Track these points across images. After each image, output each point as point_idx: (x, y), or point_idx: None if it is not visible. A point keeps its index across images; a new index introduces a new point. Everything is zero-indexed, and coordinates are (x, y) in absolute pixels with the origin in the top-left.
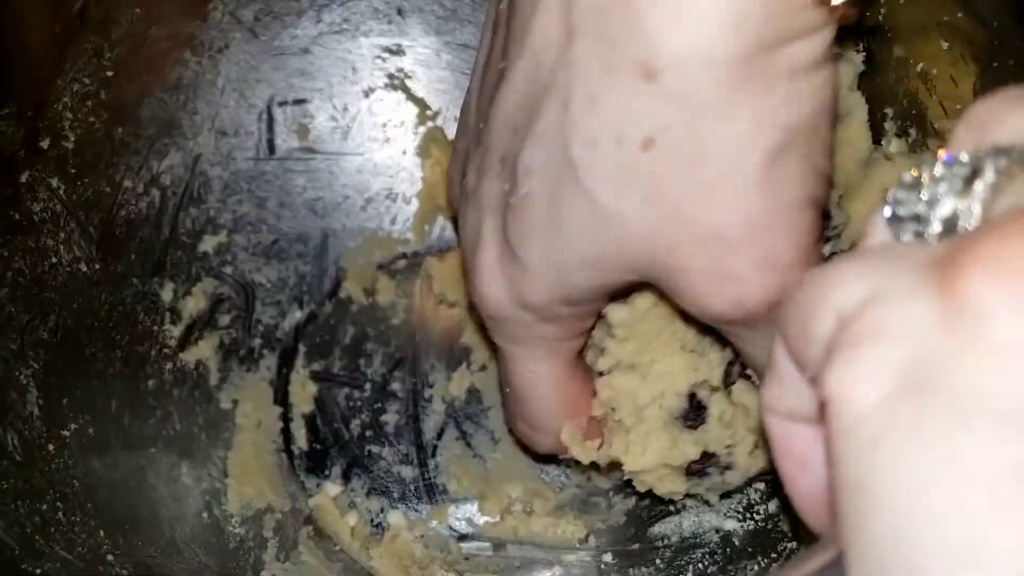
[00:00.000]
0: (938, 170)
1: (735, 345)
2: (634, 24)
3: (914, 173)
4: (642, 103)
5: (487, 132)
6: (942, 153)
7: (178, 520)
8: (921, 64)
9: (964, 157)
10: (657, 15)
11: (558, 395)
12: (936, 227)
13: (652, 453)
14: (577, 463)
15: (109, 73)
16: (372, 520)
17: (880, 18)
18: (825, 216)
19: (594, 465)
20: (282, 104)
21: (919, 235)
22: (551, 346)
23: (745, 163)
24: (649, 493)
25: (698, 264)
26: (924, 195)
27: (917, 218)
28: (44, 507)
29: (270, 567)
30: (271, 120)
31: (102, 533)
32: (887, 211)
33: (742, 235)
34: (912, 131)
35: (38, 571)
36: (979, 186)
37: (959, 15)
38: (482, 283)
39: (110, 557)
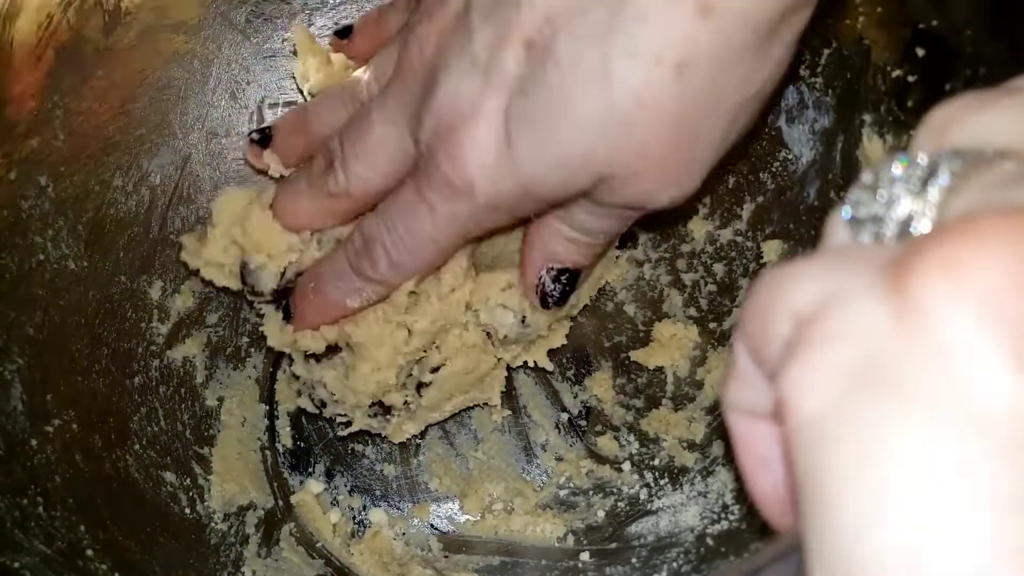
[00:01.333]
0: (896, 171)
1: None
2: None
3: (873, 175)
4: (688, 31)
5: (515, 9)
6: (900, 155)
7: (160, 516)
8: (897, 71)
9: (921, 159)
10: None
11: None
12: (892, 228)
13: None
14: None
15: (99, 71)
16: (354, 517)
17: (858, 26)
18: None
19: None
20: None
21: (877, 236)
22: (464, 233)
23: (733, 110)
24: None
25: (653, 174)
26: (881, 196)
27: (875, 219)
28: (25, 502)
29: (251, 563)
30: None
31: (82, 528)
32: (846, 212)
33: (695, 162)
34: (889, 137)
35: (16, 565)
36: (934, 188)
37: (934, 23)
38: (469, 151)
39: (89, 552)
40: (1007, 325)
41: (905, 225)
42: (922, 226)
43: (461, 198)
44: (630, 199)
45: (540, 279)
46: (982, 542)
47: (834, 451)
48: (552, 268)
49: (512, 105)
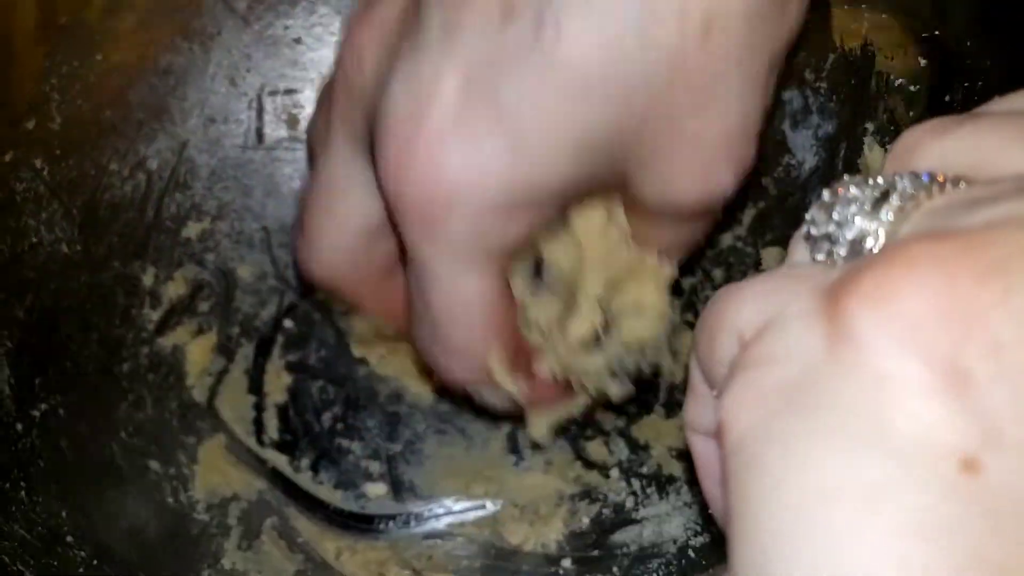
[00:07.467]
0: (851, 191)
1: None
2: None
3: (830, 194)
4: None
5: None
6: (857, 176)
7: (142, 504)
8: (900, 80)
9: (878, 180)
10: None
11: (490, 317)
12: (844, 249)
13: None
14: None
15: (98, 55)
16: None
17: (864, 30)
18: None
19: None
20: (272, 93)
21: (830, 255)
22: (493, 257)
23: (763, 73)
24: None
25: (687, 154)
26: (835, 216)
27: (829, 238)
28: (7, 486)
29: (231, 555)
30: (261, 109)
31: (64, 514)
32: (804, 230)
33: (735, 138)
34: (890, 146)
35: None
36: (885, 209)
37: (937, 32)
38: (443, 152)
39: (69, 538)
40: (927, 353)
41: (856, 246)
42: (873, 248)
43: (444, 219)
44: (657, 188)
45: None
46: (891, 568)
47: (754, 473)
48: None
49: (490, 78)
